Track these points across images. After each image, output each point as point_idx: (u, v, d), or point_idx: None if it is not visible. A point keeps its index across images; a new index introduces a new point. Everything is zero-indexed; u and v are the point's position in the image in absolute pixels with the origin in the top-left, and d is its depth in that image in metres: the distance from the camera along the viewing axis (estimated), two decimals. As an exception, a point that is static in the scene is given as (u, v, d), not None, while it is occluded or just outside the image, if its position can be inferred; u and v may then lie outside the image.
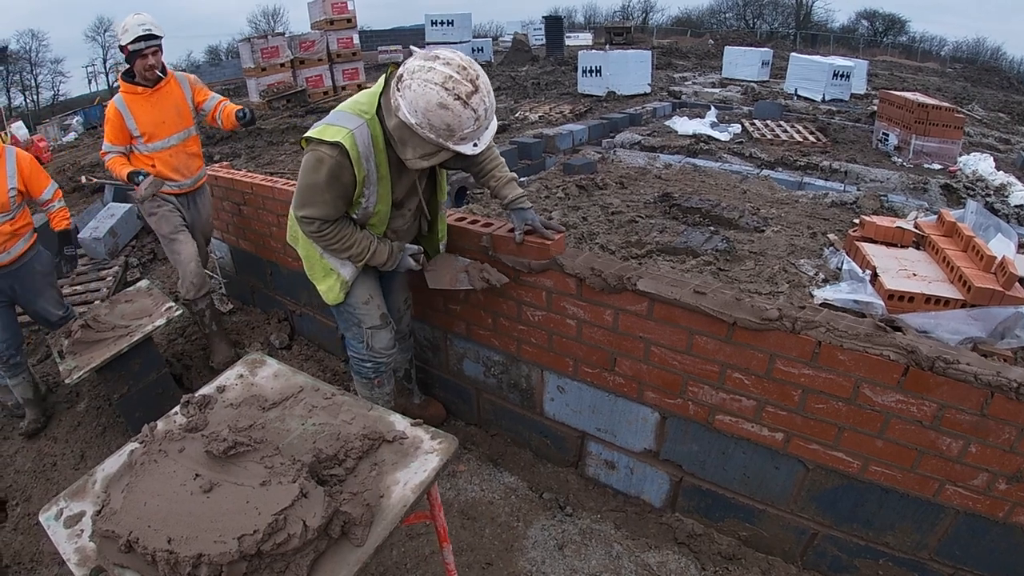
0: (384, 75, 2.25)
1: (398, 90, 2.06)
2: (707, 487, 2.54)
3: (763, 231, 4.99)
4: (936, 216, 4.77)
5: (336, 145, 2.17)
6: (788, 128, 9.38)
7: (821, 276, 4.38)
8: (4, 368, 3.70)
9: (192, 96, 4.11)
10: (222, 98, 4.22)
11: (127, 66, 3.89)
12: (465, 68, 2.01)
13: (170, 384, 3.82)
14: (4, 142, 3.52)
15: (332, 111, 2.33)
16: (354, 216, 2.46)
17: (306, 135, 2.28)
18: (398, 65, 2.17)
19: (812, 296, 4.04)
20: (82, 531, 1.70)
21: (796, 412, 2.17)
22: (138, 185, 3.78)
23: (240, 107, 4.07)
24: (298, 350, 4.21)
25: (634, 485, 2.79)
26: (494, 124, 2.19)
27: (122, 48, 3.76)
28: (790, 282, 4.22)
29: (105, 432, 3.74)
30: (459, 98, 1.99)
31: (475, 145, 2.13)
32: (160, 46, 3.83)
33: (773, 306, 2.12)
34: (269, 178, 4.04)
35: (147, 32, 3.69)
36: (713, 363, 2.29)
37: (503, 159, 2.72)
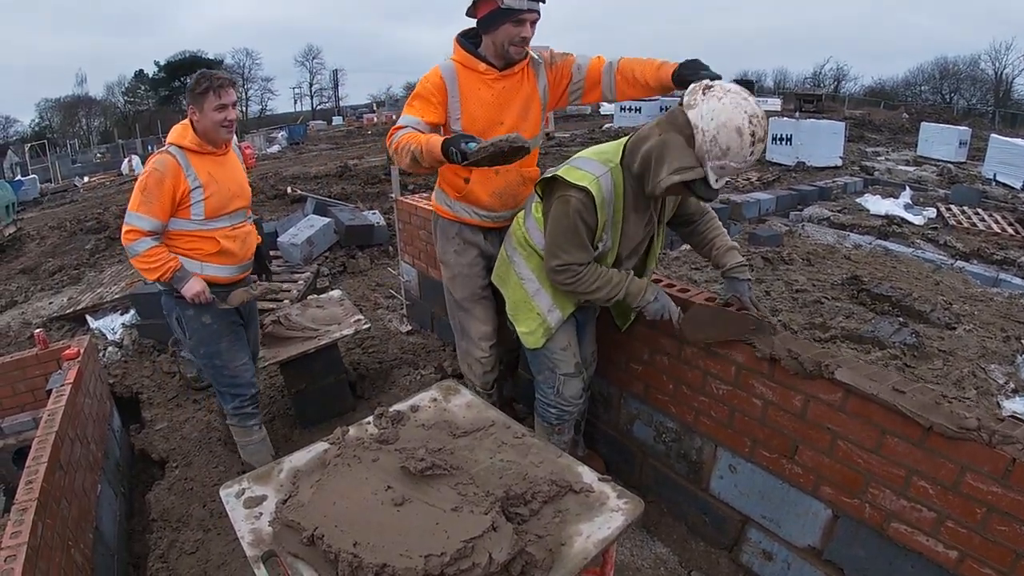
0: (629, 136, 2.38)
1: (702, 94, 2.13)
2: (863, 596, 2.38)
3: (954, 328, 4.66)
4: None
5: (582, 189, 2.28)
6: (986, 217, 8.73)
7: (1011, 386, 4.03)
8: (247, 413, 3.32)
9: (548, 84, 2.90)
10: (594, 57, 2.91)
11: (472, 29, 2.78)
12: (762, 119, 2.10)
13: (345, 390, 4.08)
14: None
15: (574, 157, 2.47)
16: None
17: (547, 175, 2.42)
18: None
19: (1000, 406, 3.74)
20: (260, 514, 1.82)
21: (976, 531, 2.00)
22: (464, 159, 2.28)
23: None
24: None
25: (788, 581, 2.65)
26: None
27: (475, 3, 2.65)
28: (978, 388, 3.92)
29: (274, 420, 4.02)
30: (753, 135, 2.05)
31: (718, 181, 2.16)
32: (540, 15, 2.64)
33: (972, 415, 1.99)
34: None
35: None
36: (900, 467, 2.15)
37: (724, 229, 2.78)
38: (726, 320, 2.53)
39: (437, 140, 2.41)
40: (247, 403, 3.27)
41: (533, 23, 2.63)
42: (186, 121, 2.94)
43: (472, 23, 2.75)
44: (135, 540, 3.14)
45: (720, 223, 2.77)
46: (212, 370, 3.20)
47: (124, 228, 2.84)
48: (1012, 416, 3.51)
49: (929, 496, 2.10)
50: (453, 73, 2.74)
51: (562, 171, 2.36)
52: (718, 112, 2.06)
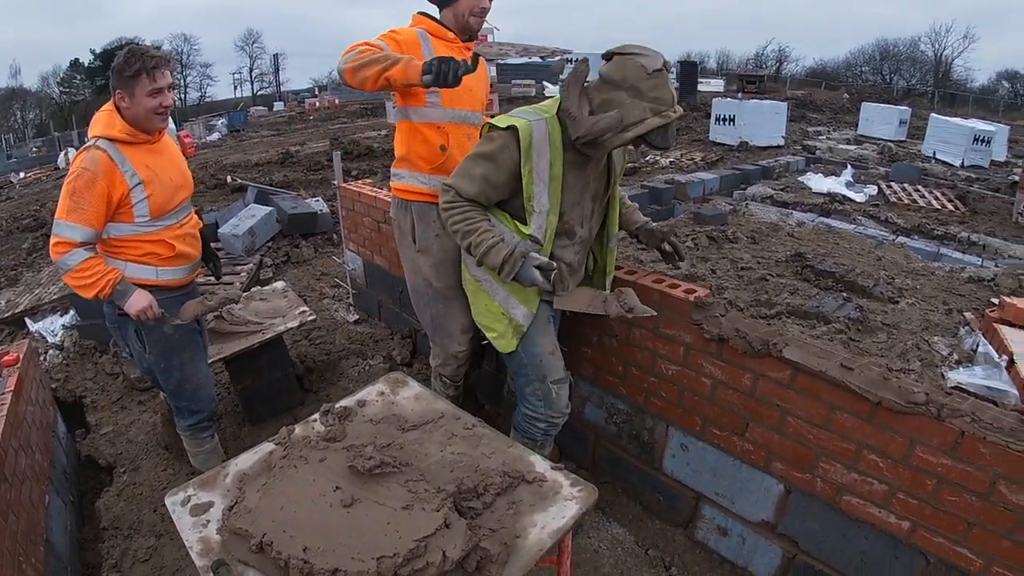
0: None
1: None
2: (820, 568, 2.41)
3: (897, 302, 4.76)
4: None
5: (509, 128, 2.19)
6: (926, 193, 8.98)
7: (955, 357, 4.13)
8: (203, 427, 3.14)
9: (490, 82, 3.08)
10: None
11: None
12: None
13: (292, 384, 3.99)
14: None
15: (514, 110, 2.38)
16: (532, 233, 2.32)
17: (486, 123, 2.33)
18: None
19: (944, 378, 3.82)
20: (208, 522, 1.76)
21: (927, 502, 2.05)
22: (446, 81, 2.31)
23: None
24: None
25: (744, 555, 2.68)
26: None
27: None
28: (922, 360, 4.00)
29: (221, 418, 3.89)
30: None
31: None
32: None
33: (921, 390, 2.02)
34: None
35: None
36: (850, 441, 2.18)
37: None
38: (592, 300, 2.47)
39: (417, 61, 2.36)
40: (204, 420, 3.06)
41: None
42: (110, 107, 2.51)
43: (426, 7, 2.83)
44: (87, 550, 3.02)
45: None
46: (172, 385, 2.90)
47: (52, 240, 2.42)
48: (957, 387, 3.62)
49: (879, 469, 2.13)
50: (427, 36, 2.75)
51: (496, 119, 2.28)
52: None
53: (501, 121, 2.24)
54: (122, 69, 2.43)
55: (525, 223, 2.34)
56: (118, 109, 2.50)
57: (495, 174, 2.24)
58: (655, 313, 2.34)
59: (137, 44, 2.58)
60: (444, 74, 2.27)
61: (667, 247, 2.82)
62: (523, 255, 2.19)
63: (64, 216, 2.40)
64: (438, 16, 2.81)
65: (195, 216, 2.94)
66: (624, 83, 2.03)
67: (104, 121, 2.51)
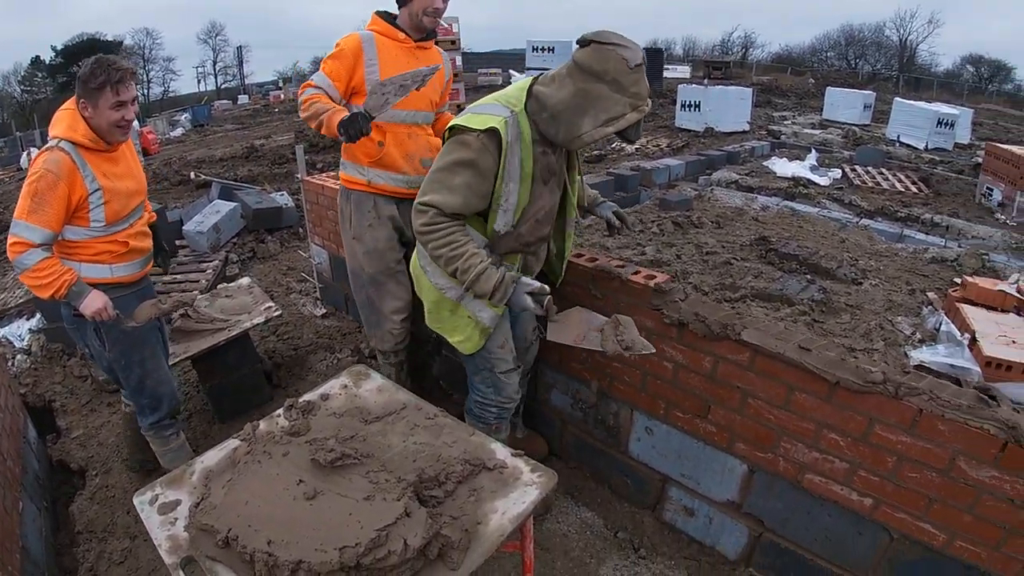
0: (532, 78, 2.24)
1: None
2: (786, 546, 2.47)
3: (860, 284, 4.84)
4: (1039, 280, 4.54)
5: (487, 131, 2.08)
6: (890, 176, 9.09)
7: (918, 336, 4.21)
8: (165, 425, 3.12)
9: (446, 83, 3.21)
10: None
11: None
12: None
13: (261, 380, 3.97)
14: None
15: (476, 103, 2.27)
16: (496, 228, 2.28)
17: (451, 124, 2.19)
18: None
19: (907, 356, 3.89)
20: (176, 519, 1.76)
21: (888, 479, 2.10)
22: (351, 137, 2.65)
23: None
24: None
25: (711, 535, 2.73)
26: None
27: None
28: (886, 340, 4.08)
29: (191, 417, 3.88)
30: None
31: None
32: None
33: (878, 369, 2.06)
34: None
35: None
36: (810, 421, 2.23)
37: None
38: (596, 328, 2.42)
39: (338, 117, 2.62)
40: (166, 417, 3.04)
41: None
42: (71, 106, 2.50)
43: (388, 4, 2.99)
44: (63, 555, 2.99)
45: None
46: (132, 382, 2.88)
47: (10, 240, 2.40)
48: (920, 365, 3.69)
49: (840, 448, 2.18)
50: (372, 39, 2.89)
51: (463, 119, 2.15)
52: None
53: (474, 121, 2.12)
54: (87, 80, 2.42)
55: (488, 219, 2.29)
56: (84, 117, 2.49)
57: (480, 183, 2.15)
58: (654, 350, 2.29)
59: (104, 55, 2.55)
60: (349, 133, 2.60)
61: (614, 219, 2.82)
62: (514, 281, 2.16)
63: (24, 216, 2.38)
64: (398, 13, 2.95)
65: (147, 211, 2.95)
66: (606, 75, 1.98)
67: (67, 122, 2.49)
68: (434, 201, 2.13)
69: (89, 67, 2.43)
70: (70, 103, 2.52)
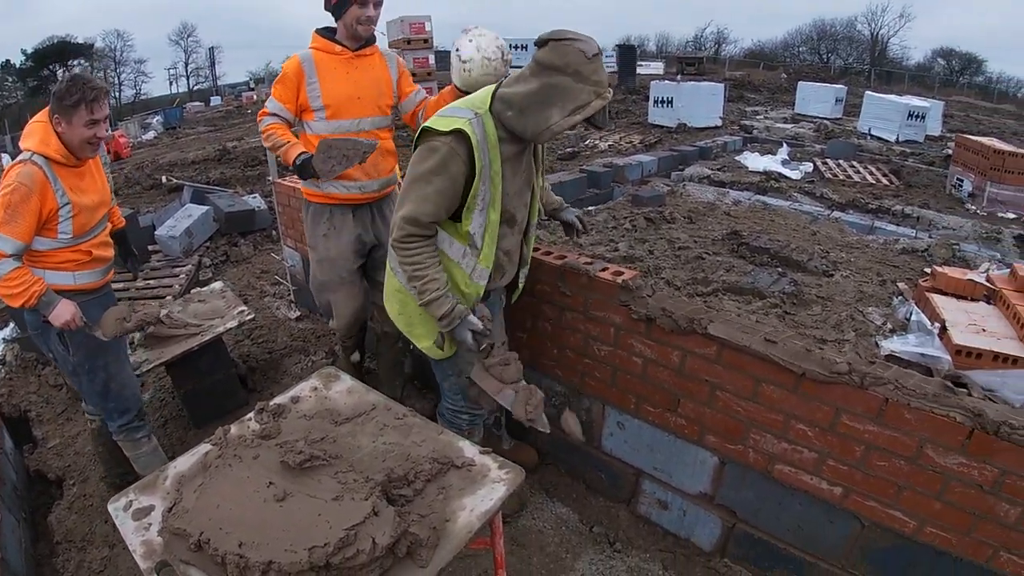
0: (496, 83, 2.28)
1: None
2: (759, 536, 2.51)
3: (832, 275, 4.90)
4: (1009, 269, 4.61)
5: (453, 133, 2.11)
6: (861, 169, 9.19)
7: (889, 326, 4.26)
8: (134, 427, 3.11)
9: (398, 79, 3.29)
10: (426, 96, 3.41)
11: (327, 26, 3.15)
12: None
13: (235, 384, 3.96)
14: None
15: (444, 107, 2.32)
16: (469, 230, 2.29)
17: (421, 127, 2.22)
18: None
19: (878, 346, 3.93)
20: (150, 524, 1.78)
21: (857, 468, 2.14)
22: (303, 178, 3.00)
23: None
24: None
25: (685, 527, 2.76)
26: None
27: None
28: (857, 330, 4.13)
29: (167, 424, 3.87)
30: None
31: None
32: None
33: (843, 359, 2.10)
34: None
35: None
36: (778, 412, 2.27)
37: None
38: (512, 382, 2.35)
39: (293, 153, 2.91)
40: (134, 419, 3.04)
41: (376, 4, 2.99)
42: (44, 119, 2.54)
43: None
44: (43, 565, 2.97)
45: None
46: (98, 386, 2.87)
47: None
48: (890, 355, 3.75)
49: (808, 438, 2.21)
50: (310, 58, 3.04)
51: (431, 121, 2.18)
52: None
53: (440, 123, 2.15)
54: (63, 96, 2.47)
55: (461, 220, 2.28)
56: (56, 133, 2.53)
57: (451, 187, 2.17)
58: (548, 431, 2.29)
59: (80, 73, 2.63)
60: (301, 176, 2.95)
61: (577, 222, 2.88)
62: (460, 317, 2.23)
63: None
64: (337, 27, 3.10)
65: (113, 219, 3.01)
66: (568, 68, 2.03)
67: (40, 136, 2.53)
68: (410, 214, 2.18)
69: (65, 84, 2.49)
70: (42, 115, 2.56)
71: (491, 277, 2.42)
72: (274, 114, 3.06)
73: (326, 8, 3.03)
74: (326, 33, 3.09)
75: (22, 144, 2.57)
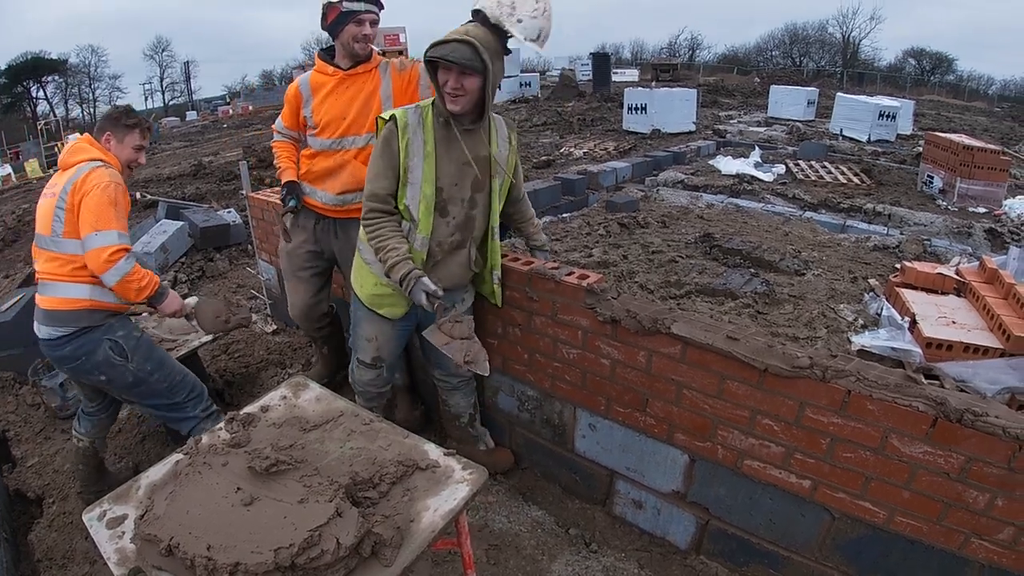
0: None
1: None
2: (733, 531, 2.54)
3: (804, 274, 4.97)
4: (978, 262, 4.70)
5: (391, 118, 2.44)
6: (832, 169, 9.32)
7: (860, 322, 4.33)
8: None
9: (403, 90, 3.22)
10: None
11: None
12: None
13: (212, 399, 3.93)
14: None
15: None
16: (407, 203, 2.53)
17: (376, 119, 2.56)
18: None
19: (850, 342, 4.00)
20: (123, 533, 1.80)
21: (824, 460, 2.17)
22: (283, 205, 3.32)
23: None
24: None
25: (660, 526, 2.79)
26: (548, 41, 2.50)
27: (325, 15, 3.02)
28: (828, 327, 4.20)
29: (144, 440, 3.86)
30: None
31: (536, 40, 2.42)
32: (379, 17, 3.11)
33: (804, 354, 2.13)
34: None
35: None
36: (743, 408, 2.30)
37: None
38: (462, 338, 2.56)
39: (283, 179, 3.34)
40: (209, 402, 3.11)
41: (372, 23, 3.05)
42: (91, 140, 2.69)
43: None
44: None
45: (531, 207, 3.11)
46: (169, 381, 2.91)
47: (108, 249, 2.47)
48: (862, 350, 3.80)
49: (775, 433, 2.25)
50: (307, 81, 3.22)
51: (384, 113, 2.52)
52: None
53: (386, 114, 2.49)
54: (121, 117, 2.72)
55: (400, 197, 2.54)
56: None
57: (391, 160, 2.46)
58: (488, 374, 2.58)
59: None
60: (283, 201, 3.34)
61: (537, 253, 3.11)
62: (416, 279, 2.43)
63: (113, 225, 2.51)
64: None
65: None
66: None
67: (100, 150, 2.68)
68: (370, 191, 2.53)
69: (123, 108, 2.80)
70: (88, 139, 2.72)
71: (431, 270, 2.61)
72: (279, 132, 3.41)
73: (323, 27, 3.09)
74: (324, 56, 3.20)
75: (74, 158, 2.64)
